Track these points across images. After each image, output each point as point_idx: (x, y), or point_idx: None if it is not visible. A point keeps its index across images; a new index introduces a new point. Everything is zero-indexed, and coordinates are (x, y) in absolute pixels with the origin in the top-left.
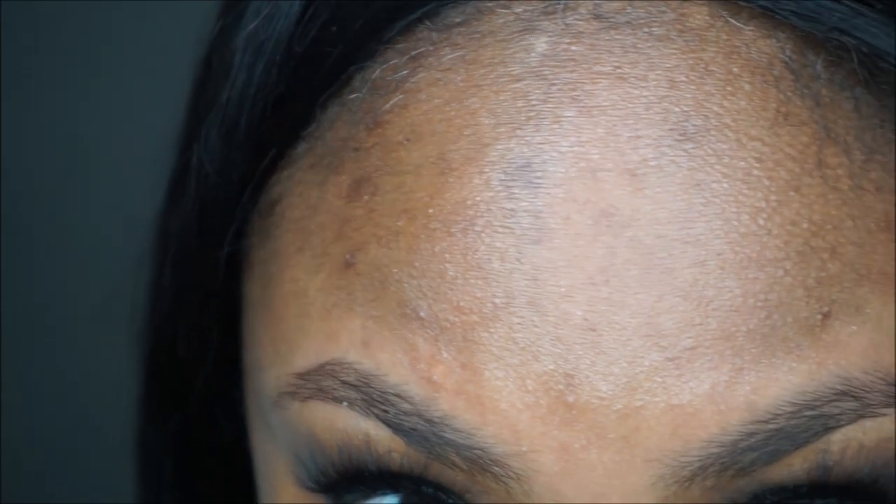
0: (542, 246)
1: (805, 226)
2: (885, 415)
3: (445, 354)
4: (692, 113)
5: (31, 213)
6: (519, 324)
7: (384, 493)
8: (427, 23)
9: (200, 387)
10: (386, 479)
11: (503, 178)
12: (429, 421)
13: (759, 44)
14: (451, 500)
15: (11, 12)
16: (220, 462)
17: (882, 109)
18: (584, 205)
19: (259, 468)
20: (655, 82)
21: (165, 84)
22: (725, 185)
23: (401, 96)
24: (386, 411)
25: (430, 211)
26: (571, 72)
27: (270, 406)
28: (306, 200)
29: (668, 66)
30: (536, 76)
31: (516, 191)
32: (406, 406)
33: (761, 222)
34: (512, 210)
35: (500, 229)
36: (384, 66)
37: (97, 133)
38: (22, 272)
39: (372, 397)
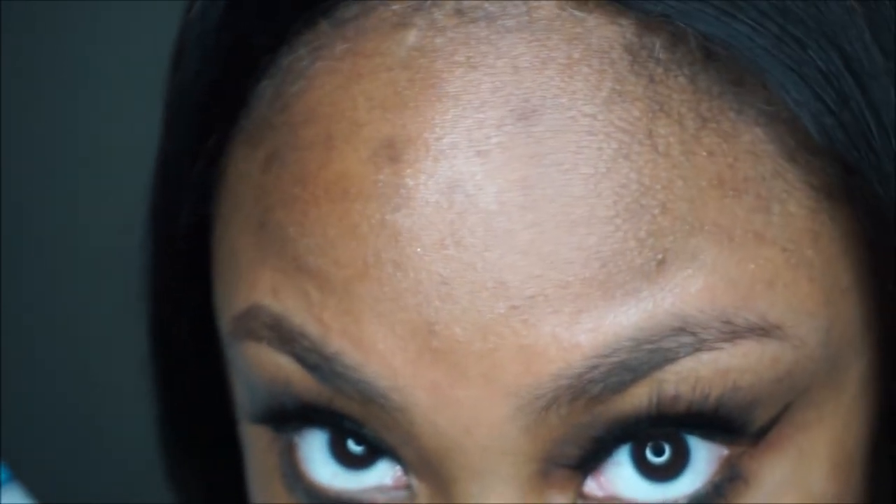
0: (402, 213)
1: (634, 187)
2: (720, 349)
3: (331, 301)
4: (531, 95)
5: (32, 212)
6: (386, 279)
7: (314, 426)
8: (326, 19)
9: (193, 337)
10: (306, 413)
11: (371, 154)
12: (324, 357)
13: (600, 30)
14: (364, 433)
15: (11, 12)
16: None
17: (720, 82)
18: (435, 177)
19: (232, 399)
20: (501, 69)
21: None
22: (559, 157)
23: (303, 82)
24: (294, 348)
25: (317, 181)
26: (433, 62)
27: (226, 345)
28: (238, 172)
29: (514, 54)
30: (404, 66)
31: (382, 165)
32: (307, 343)
33: (591, 186)
34: (379, 181)
35: (370, 197)
36: (292, 57)
37: (97, 132)
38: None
39: (283, 336)
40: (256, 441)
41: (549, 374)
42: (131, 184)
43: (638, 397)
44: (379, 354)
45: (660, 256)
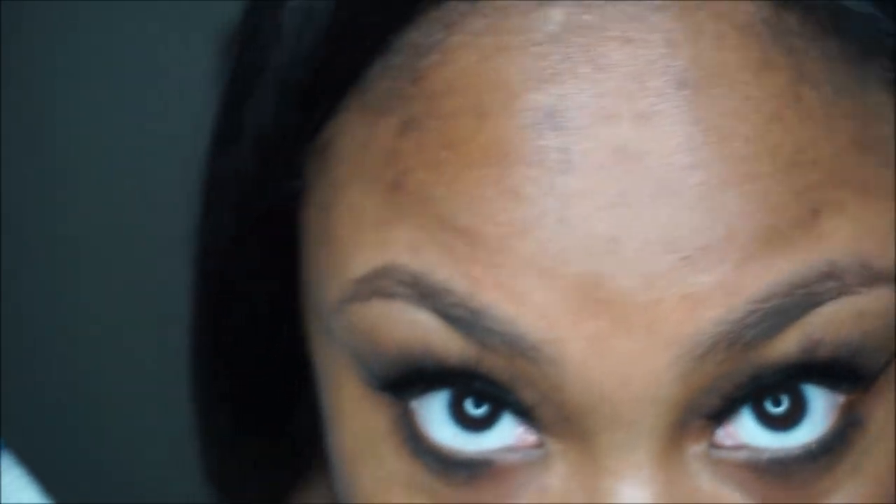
0: (569, 176)
1: (788, 147)
2: (859, 293)
3: (482, 256)
4: (689, 66)
5: (32, 208)
6: (549, 238)
7: (439, 389)
8: None
9: (265, 311)
10: (441, 374)
11: (532, 122)
12: (472, 311)
13: (742, 6)
14: (496, 393)
15: (11, 12)
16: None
17: (847, 51)
18: (602, 142)
19: (321, 375)
20: (655, 43)
21: (164, 84)
22: (719, 121)
23: (438, 56)
24: (436, 303)
25: (471, 146)
26: (585, 37)
27: (331, 314)
28: (357, 139)
29: (666, 28)
30: (554, 41)
31: (545, 132)
32: (453, 298)
33: (752, 147)
34: (542, 147)
35: (532, 163)
36: (420, 32)
37: (96, 130)
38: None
39: (423, 292)
40: (358, 408)
41: (711, 321)
42: (128, 177)
43: (786, 343)
44: (535, 307)
45: (814, 208)
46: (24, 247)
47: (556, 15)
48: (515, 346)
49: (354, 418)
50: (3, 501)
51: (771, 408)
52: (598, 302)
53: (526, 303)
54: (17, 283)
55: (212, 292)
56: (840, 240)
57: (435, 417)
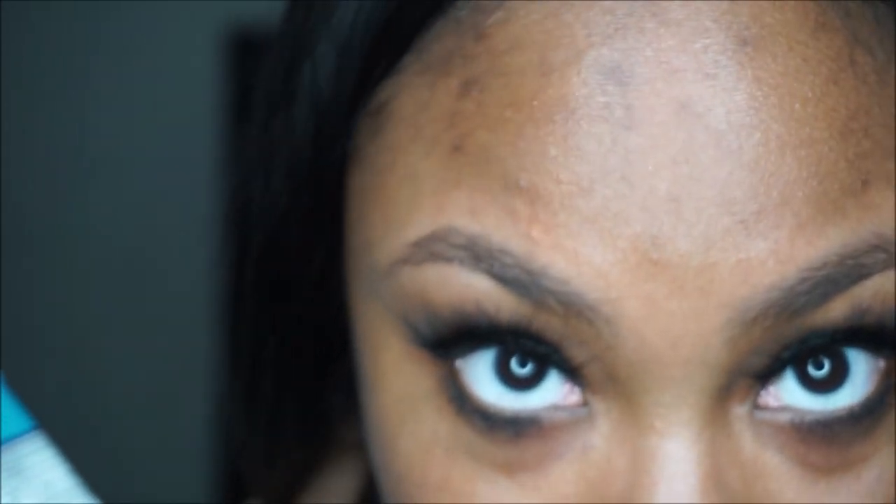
0: (633, 132)
1: (843, 111)
2: None
3: (543, 216)
4: (750, 23)
5: (33, 208)
6: (612, 195)
7: (486, 348)
8: None
9: (314, 275)
10: (491, 332)
11: (598, 77)
12: (529, 272)
13: None
14: (545, 351)
15: (11, 12)
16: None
17: (895, 20)
18: (666, 98)
19: (362, 338)
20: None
21: (165, 84)
22: (779, 80)
23: (501, 13)
24: (492, 265)
25: (535, 103)
26: None
27: (382, 276)
28: (417, 100)
29: None
30: None
31: (609, 88)
32: (509, 260)
33: (809, 109)
34: (606, 103)
35: (597, 118)
36: None
37: (97, 130)
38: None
39: (479, 254)
40: (400, 370)
41: (764, 286)
42: (131, 182)
43: (834, 311)
44: (593, 267)
45: (864, 177)
46: (25, 246)
47: None
48: (572, 306)
49: (396, 380)
50: (31, 480)
51: (813, 371)
52: (655, 263)
53: (584, 263)
54: (27, 277)
55: (258, 257)
56: (888, 211)
57: (481, 377)
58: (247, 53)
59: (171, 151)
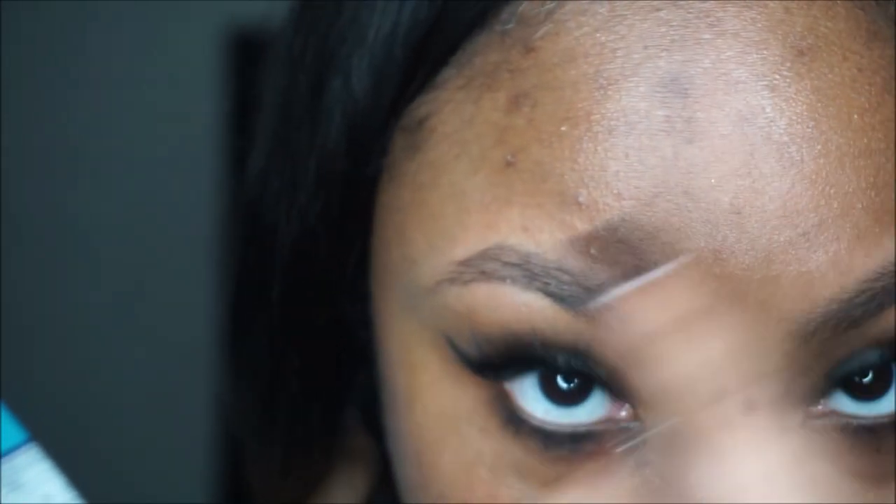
0: (695, 145)
1: None
2: None
3: (602, 233)
4: (805, 33)
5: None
6: (674, 209)
7: (538, 367)
8: None
9: (340, 288)
10: (546, 352)
11: (657, 89)
12: (587, 289)
13: None
14: (598, 373)
15: (11, 12)
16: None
17: None
18: (727, 110)
19: (395, 355)
20: (773, 8)
21: (165, 84)
22: (837, 91)
23: (550, 25)
24: (547, 283)
25: (593, 118)
26: (703, 2)
27: (423, 294)
28: (460, 115)
29: None
30: (675, 6)
31: (669, 100)
32: (566, 277)
33: (867, 119)
34: (667, 116)
35: (658, 132)
36: (530, 1)
37: (98, 130)
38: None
39: (533, 273)
40: (439, 389)
41: (824, 299)
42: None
43: (888, 321)
44: (655, 283)
45: None
46: (25, 246)
47: None
48: (630, 323)
49: (435, 399)
50: (30, 494)
51: (858, 378)
52: (717, 277)
53: (646, 279)
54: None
55: (283, 272)
56: None
57: (528, 394)
58: (247, 53)
59: (171, 151)
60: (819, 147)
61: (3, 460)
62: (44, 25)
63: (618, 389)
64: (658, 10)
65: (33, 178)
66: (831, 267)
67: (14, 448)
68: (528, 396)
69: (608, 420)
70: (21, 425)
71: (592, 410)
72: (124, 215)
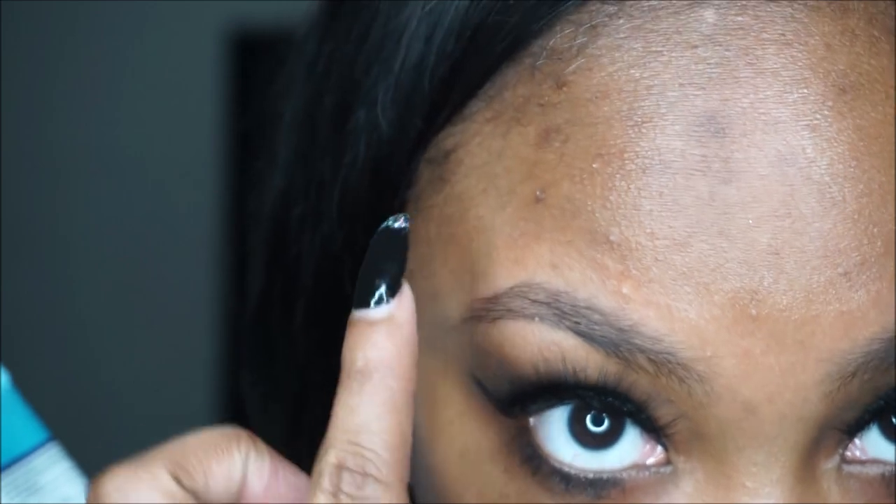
0: (731, 186)
1: None
2: None
3: (635, 272)
4: (848, 71)
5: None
6: (710, 249)
7: (565, 404)
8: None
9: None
10: (576, 390)
11: (694, 129)
12: (619, 329)
13: (890, 10)
14: (630, 409)
15: (11, 12)
16: None
17: None
18: (766, 151)
19: (416, 389)
20: (815, 46)
21: (165, 84)
22: (878, 129)
23: (583, 60)
24: (578, 322)
25: (626, 155)
26: (742, 39)
27: (448, 330)
28: (488, 149)
29: (823, 31)
30: (711, 42)
31: (706, 140)
32: (597, 317)
33: None
34: (703, 155)
35: (694, 172)
36: (561, 35)
37: (98, 130)
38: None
39: (563, 311)
40: (463, 426)
41: (865, 338)
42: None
43: None
44: (688, 323)
45: None
46: (25, 246)
47: (709, 16)
48: (663, 365)
49: (457, 437)
50: (49, 495)
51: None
52: (754, 318)
53: (678, 319)
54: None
55: (309, 296)
56: None
57: (555, 436)
58: (248, 53)
59: (172, 151)
60: (861, 186)
61: (20, 462)
62: (44, 26)
63: (650, 431)
64: (694, 46)
65: (33, 178)
66: (872, 306)
67: (33, 449)
68: (555, 438)
69: (636, 466)
70: (42, 424)
71: (624, 454)
72: (125, 214)
